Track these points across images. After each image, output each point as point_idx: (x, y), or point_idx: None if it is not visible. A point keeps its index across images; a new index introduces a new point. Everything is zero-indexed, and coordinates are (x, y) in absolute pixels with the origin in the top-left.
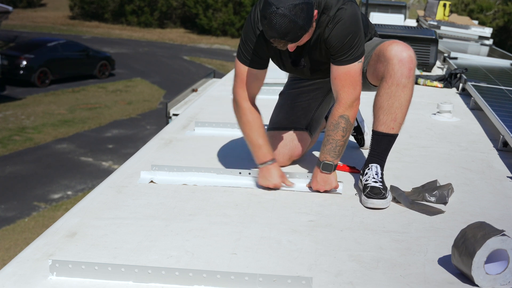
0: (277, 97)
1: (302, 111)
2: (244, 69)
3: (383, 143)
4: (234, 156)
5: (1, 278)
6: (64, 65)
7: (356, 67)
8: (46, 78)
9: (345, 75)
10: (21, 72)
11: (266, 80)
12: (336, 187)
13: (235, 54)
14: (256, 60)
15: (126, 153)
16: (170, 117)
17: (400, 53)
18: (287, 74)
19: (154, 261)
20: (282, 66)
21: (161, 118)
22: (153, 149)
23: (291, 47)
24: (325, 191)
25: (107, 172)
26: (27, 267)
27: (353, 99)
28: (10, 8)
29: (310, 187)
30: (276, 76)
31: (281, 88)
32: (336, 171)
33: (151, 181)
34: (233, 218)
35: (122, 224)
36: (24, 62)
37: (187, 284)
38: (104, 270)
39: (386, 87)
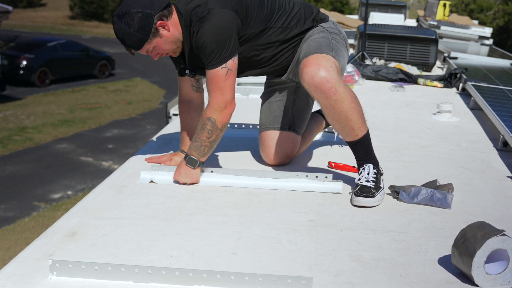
0: None
1: (279, 110)
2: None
3: (360, 148)
4: (234, 156)
5: (1, 278)
6: (64, 65)
7: (220, 72)
8: (46, 78)
9: (211, 80)
10: (21, 72)
11: (262, 80)
12: (197, 181)
13: None
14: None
15: (126, 153)
16: (170, 117)
17: (312, 80)
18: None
19: (154, 261)
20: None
21: (161, 118)
22: (153, 149)
23: (145, 54)
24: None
25: (107, 172)
26: (27, 267)
27: (220, 104)
28: (10, 8)
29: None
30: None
31: None
32: (200, 167)
33: (151, 181)
34: (233, 218)
35: (122, 224)
36: (24, 62)
37: (187, 284)
38: (104, 270)
39: (322, 107)
